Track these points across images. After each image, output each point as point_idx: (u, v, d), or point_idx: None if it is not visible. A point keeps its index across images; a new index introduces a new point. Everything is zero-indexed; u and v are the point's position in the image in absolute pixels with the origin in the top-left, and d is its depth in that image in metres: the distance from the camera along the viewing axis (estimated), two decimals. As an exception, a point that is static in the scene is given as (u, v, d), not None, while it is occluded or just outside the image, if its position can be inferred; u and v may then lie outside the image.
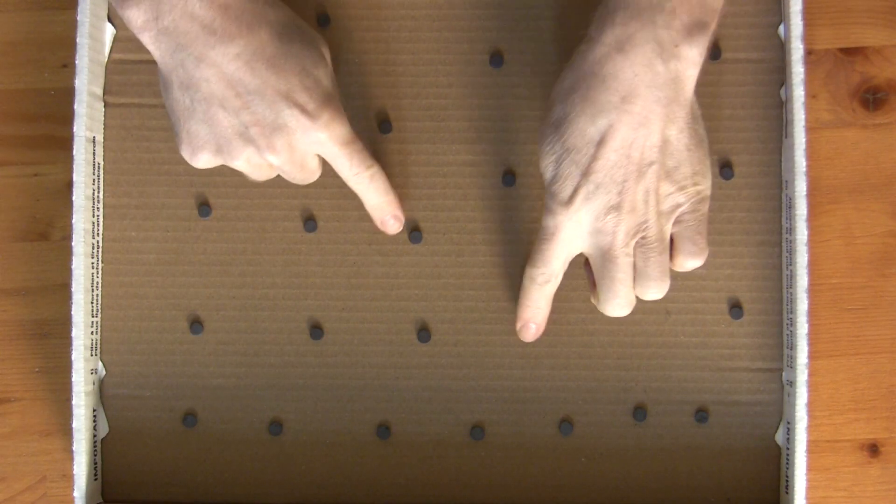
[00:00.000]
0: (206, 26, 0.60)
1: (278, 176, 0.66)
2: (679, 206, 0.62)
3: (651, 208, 0.61)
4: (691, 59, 0.60)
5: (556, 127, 0.62)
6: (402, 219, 0.68)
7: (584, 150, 0.61)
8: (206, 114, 0.61)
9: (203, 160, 0.63)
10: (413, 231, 0.70)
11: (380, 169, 0.66)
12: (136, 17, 0.60)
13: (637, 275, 0.63)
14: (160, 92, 0.64)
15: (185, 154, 0.63)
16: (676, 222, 0.63)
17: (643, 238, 0.62)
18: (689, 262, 0.64)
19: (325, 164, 0.66)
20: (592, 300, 0.66)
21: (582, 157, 0.61)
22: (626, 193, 0.61)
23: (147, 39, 0.61)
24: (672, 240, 0.64)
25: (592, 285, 0.65)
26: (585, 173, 0.61)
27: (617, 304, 0.64)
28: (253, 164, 0.64)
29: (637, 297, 0.65)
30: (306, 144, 0.63)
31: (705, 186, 0.63)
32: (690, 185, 0.62)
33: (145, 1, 0.59)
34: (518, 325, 0.67)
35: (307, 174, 0.65)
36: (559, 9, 0.70)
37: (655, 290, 0.64)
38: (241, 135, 0.62)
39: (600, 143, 0.60)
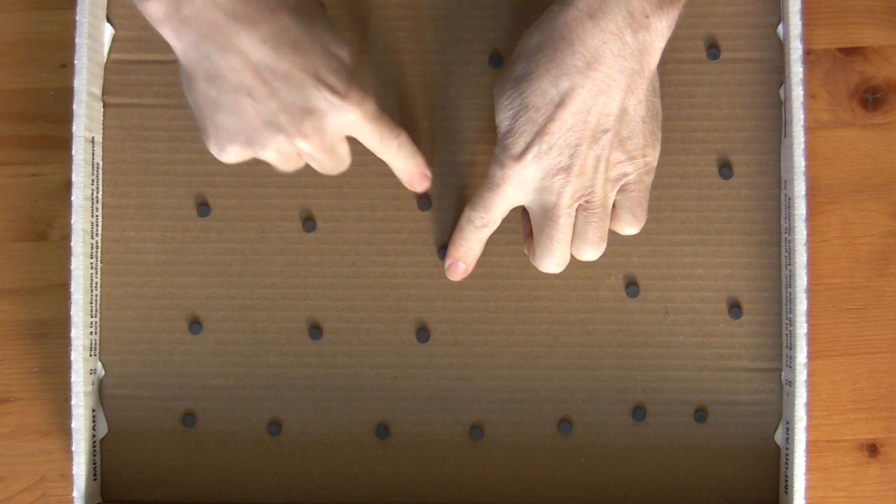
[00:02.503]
0: (229, 13, 0.59)
1: (276, 176, 0.66)
2: (626, 175, 0.63)
3: (600, 174, 0.62)
4: (660, 31, 0.61)
5: (517, 82, 0.62)
6: (430, 176, 0.68)
7: (542, 110, 0.61)
8: (235, 105, 0.60)
9: (232, 154, 0.62)
10: (412, 230, 0.70)
11: (406, 135, 0.66)
12: (156, 10, 0.59)
13: (575, 236, 0.64)
14: (180, 89, 0.63)
15: (213, 149, 0.62)
16: (621, 190, 0.64)
17: (587, 202, 0.63)
18: (627, 229, 0.66)
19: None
20: (525, 251, 0.67)
21: (539, 115, 0.62)
22: (577, 157, 0.61)
23: (168, 32, 0.60)
24: (613, 206, 0.65)
25: (528, 235, 0.66)
26: (540, 132, 0.62)
27: (552, 261, 0.65)
28: (283, 153, 0.62)
29: (572, 257, 0.66)
30: (337, 126, 0.62)
31: (653, 158, 0.64)
32: (640, 155, 0.63)
33: None
34: (447, 263, 0.68)
35: (338, 161, 0.64)
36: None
37: (592, 253, 0.65)
38: (270, 123, 0.61)
39: (559, 105, 0.61)
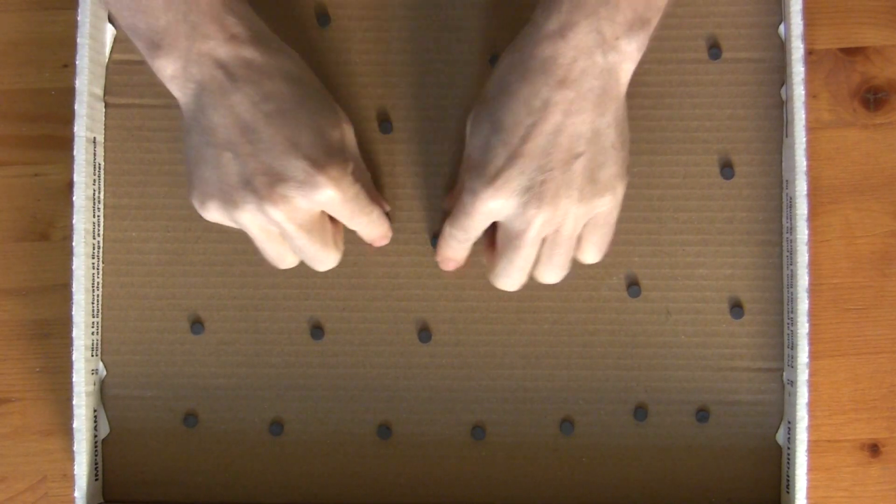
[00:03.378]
0: (229, 73, 0.61)
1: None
2: (597, 209, 0.62)
3: (571, 208, 0.61)
4: (629, 53, 0.61)
5: (487, 105, 0.62)
6: (391, 235, 0.69)
7: (514, 131, 0.61)
8: (217, 159, 0.61)
9: (212, 210, 0.62)
10: (414, 231, 0.70)
11: (378, 211, 0.66)
12: (165, 67, 0.61)
13: (539, 260, 0.64)
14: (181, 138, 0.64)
15: (196, 203, 0.63)
16: (589, 223, 0.64)
17: (555, 233, 0.63)
18: (590, 259, 0.65)
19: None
20: (484, 259, 0.67)
21: (511, 137, 0.61)
22: (549, 183, 0.61)
23: (175, 88, 0.62)
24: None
25: (488, 246, 0.66)
26: (512, 155, 0.61)
27: (508, 282, 0.65)
28: (257, 221, 0.62)
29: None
30: (307, 199, 0.62)
31: (622, 191, 0.63)
32: (611, 189, 0.62)
33: (175, 52, 0.61)
34: (438, 258, 0.68)
35: (318, 246, 0.64)
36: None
37: (553, 278, 0.65)
38: (246, 183, 0.61)
39: (532, 125, 0.60)
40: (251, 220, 0.62)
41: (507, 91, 0.61)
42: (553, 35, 0.60)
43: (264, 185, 0.61)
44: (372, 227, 0.67)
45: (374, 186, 0.69)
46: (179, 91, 0.62)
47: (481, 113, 0.63)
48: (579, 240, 0.64)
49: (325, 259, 0.65)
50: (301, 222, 0.62)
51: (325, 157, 0.61)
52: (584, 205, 0.62)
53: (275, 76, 0.62)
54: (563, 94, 0.60)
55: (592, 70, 0.60)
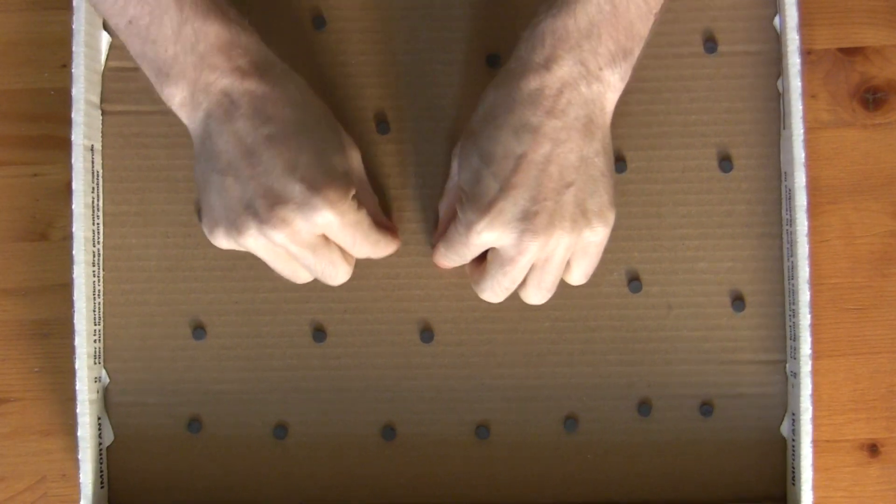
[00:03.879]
0: (234, 101, 0.62)
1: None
2: (586, 239, 0.63)
3: (563, 237, 0.62)
4: (612, 83, 0.62)
5: (477, 139, 0.63)
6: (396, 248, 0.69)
7: (504, 163, 0.62)
8: (222, 185, 0.62)
9: (219, 237, 0.62)
10: (413, 231, 0.70)
11: (385, 241, 0.66)
12: (174, 96, 0.62)
13: (527, 282, 0.64)
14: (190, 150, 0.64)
15: (206, 231, 0.63)
16: (576, 249, 0.64)
17: (545, 260, 0.63)
18: (575, 282, 0.66)
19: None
20: (467, 270, 0.67)
21: (502, 169, 0.62)
22: (542, 214, 0.61)
23: (184, 115, 0.63)
24: None
25: (479, 259, 0.66)
26: (504, 187, 0.61)
27: (490, 296, 0.66)
28: (261, 243, 0.62)
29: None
30: (305, 221, 0.61)
31: (612, 220, 0.63)
32: (601, 221, 0.62)
33: (182, 81, 0.62)
34: (434, 261, 0.68)
35: (326, 264, 0.64)
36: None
37: (539, 300, 0.66)
38: (248, 207, 0.61)
39: (521, 156, 0.61)
40: (256, 243, 0.62)
41: (495, 123, 0.62)
42: (538, 68, 0.61)
43: (264, 207, 0.61)
44: (377, 254, 0.67)
45: (384, 214, 0.69)
46: (188, 118, 0.63)
47: (469, 146, 0.63)
48: (567, 264, 0.64)
49: (335, 275, 0.65)
50: (303, 243, 0.63)
51: (323, 180, 0.61)
52: (576, 234, 0.62)
53: (277, 102, 0.62)
54: (551, 124, 0.61)
55: (578, 100, 0.61)
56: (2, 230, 0.72)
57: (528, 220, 0.61)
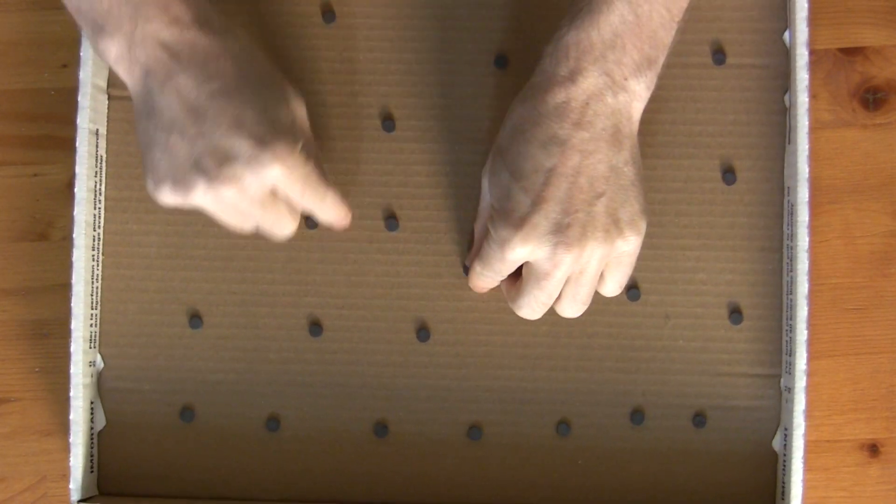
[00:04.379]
0: (173, 54, 0.61)
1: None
2: (619, 249, 0.63)
3: (597, 249, 0.62)
4: (638, 92, 0.62)
5: (505, 154, 0.63)
6: (350, 219, 0.68)
7: (534, 178, 0.62)
8: (167, 143, 0.61)
9: (165, 193, 0.62)
10: (414, 230, 0.70)
11: (333, 193, 0.65)
12: (109, 49, 0.61)
13: (562, 296, 0.64)
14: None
15: (150, 188, 0.62)
16: (611, 260, 0.64)
17: (580, 272, 0.63)
18: (609, 293, 0.66)
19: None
20: (503, 287, 0.67)
21: (532, 183, 0.62)
22: (574, 226, 0.61)
23: (121, 70, 0.62)
24: None
25: (514, 277, 0.66)
26: (536, 201, 0.62)
27: (528, 313, 0.66)
28: (209, 199, 0.62)
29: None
30: (255, 177, 0.61)
31: (643, 229, 0.63)
32: (635, 229, 0.63)
33: (119, 34, 0.61)
34: (469, 284, 0.68)
35: (275, 218, 0.64)
36: (564, 10, 0.70)
37: (574, 313, 0.66)
38: (195, 164, 0.61)
39: (551, 170, 0.61)
40: (204, 199, 0.62)
41: (523, 138, 0.62)
42: (564, 81, 0.61)
43: (212, 165, 0.61)
44: (326, 209, 0.66)
45: (388, 211, 0.69)
46: (126, 74, 0.62)
47: (498, 163, 0.63)
48: (601, 275, 0.64)
49: (282, 229, 0.65)
50: (252, 199, 0.62)
51: (271, 135, 0.61)
52: (609, 244, 0.62)
53: (220, 56, 0.61)
54: (579, 136, 0.61)
55: (604, 111, 0.61)
56: (1, 230, 0.72)
57: (560, 233, 0.61)
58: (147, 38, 0.60)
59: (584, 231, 0.61)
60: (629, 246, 0.63)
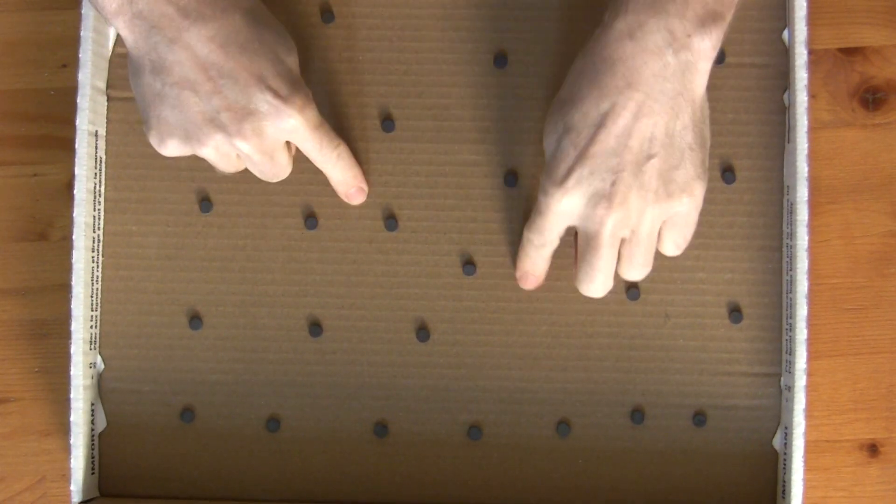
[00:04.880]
0: (180, 8, 0.60)
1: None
2: (672, 211, 0.62)
3: (646, 209, 0.61)
4: (703, 51, 0.60)
5: (561, 105, 0.62)
6: (366, 190, 0.69)
7: (583, 132, 0.61)
8: (178, 99, 0.61)
9: (171, 147, 0.63)
10: (414, 230, 0.70)
11: (345, 147, 0.67)
12: (109, 3, 0.60)
13: (620, 258, 0.64)
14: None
15: (154, 141, 0.63)
16: (667, 220, 0.63)
17: (633, 233, 0.62)
18: (669, 252, 0.65)
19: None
20: (574, 270, 0.66)
21: (580, 138, 0.61)
22: (619, 184, 0.60)
23: (120, 24, 0.61)
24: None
25: (577, 257, 0.66)
26: (581, 156, 0.61)
27: (592, 288, 0.65)
28: (221, 151, 0.63)
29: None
30: (277, 130, 0.63)
31: (700, 192, 0.63)
32: (688, 191, 0.62)
33: None
34: (518, 274, 0.68)
35: (277, 167, 0.65)
36: (564, 10, 0.70)
37: (637, 275, 0.65)
38: (211, 120, 0.62)
39: (600, 125, 0.60)
40: (215, 152, 0.63)
41: (579, 94, 0.61)
42: (621, 36, 0.60)
43: (231, 120, 0.61)
44: (343, 165, 0.67)
45: (389, 212, 0.70)
46: (126, 28, 0.61)
47: (555, 115, 0.63)
48: (659, 234, 0.64)
49: (279, 175, 0.66)
50: (267, 151, 0.63)
51: (288, 88, 0.62)
52: (659, 206, 0.61)
53: (229, 9, 0.61)
54: (632, 97, 0.60)
55: (664, 72, 0.59)
56: (1, 230, 0.72)
57: (604, 191, 0.60)
58: None
59: (627, 191, 0.60)
60: (682, 207, 0.62)
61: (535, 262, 0.67)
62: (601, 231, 0.62)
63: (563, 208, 0.62)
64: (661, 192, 0.61)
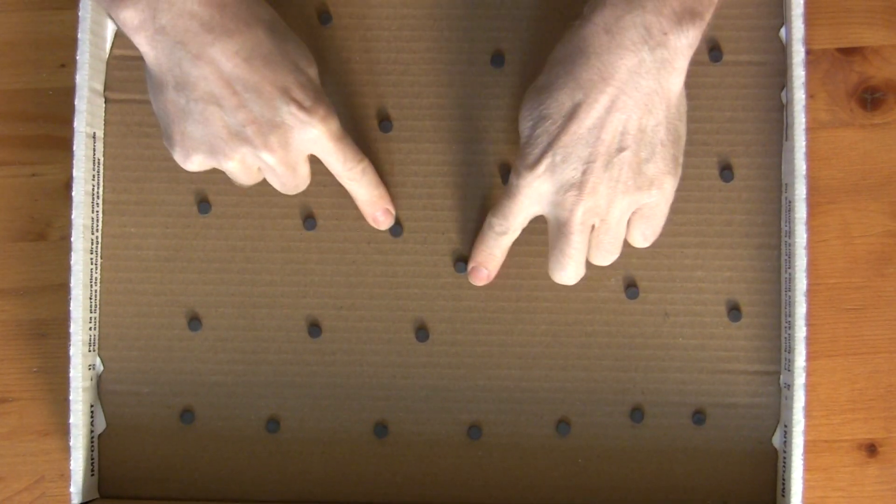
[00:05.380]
0: (204, 23, 0.60)
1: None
2: (642, 202, 0.63)
3: (615, 199, 0.62)
4: (679, 49, 0.60)
5: (538, 93, 0.63)
6: (394, 213, 0.69)
7: (557, 121, 0.61)
8: (202, 114, 0.61)
9: (196, 162, 0.63)
10: (412, 230, 0.70)
11: (370, 163, 0.67)
12: (131, 18, 0.60)
13: (590, 244, 0.64)
14: (149, 96, 0.64)
15: (178, 157, 0.63)
16: (637, 212, 0.64)
17: (601, 221, 0.63)
18: (637, 244, 0.66)
19: (318, 163, 0.66)
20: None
21: (554, 126, 0.61)
22: (590, 174, 0.61)
23: (142, 40, 0.61)
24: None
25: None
26: (553, 143, 0.61)
27: (564, 275, 0.65)
28: (246, 164, 0.63)
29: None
30: (302, 142, 0.63)
31: (671, 186, 0.63)
32: (657, 184, 0.62)
33: (141, 1, 0.60)
34: (470, 266, 0.68)
35: (298, 179, 0.65)
36: (561, 9, 0.70)
37: (605, 260, 0.65)
38: (236, 134, 0.62)
39: (573, 116, 0.61)
40: (240, 165, 0.63)
41: (556, 83, 0.62)
42: (598, 30, 0.60)
43: (256, 133, 0.61)
44: (367, 181, 0.67)
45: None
46: (147, 44, 0.61)
47: (531, 102, 0.63)
48: (628, 225, 0.64)
49: (299, 188, 0.66)
50: (291, 164, 0.63)
51: (312, 99, 0.62)
52: (628, 196, 0.62)
53: (251, 22, 0.61)
54: (605, 91, 0.60)
55: (639, 68, 0.60)
56: (0, 230, 0.72)
57: (574, 180, 0.61)
58: (174, 5, 0.59)
59: (599, 181, 0.61)
60: (652, 199, 0.63)
61: (493, 252, 0.67)
62: (571, 218, 0.62)
63: (533, 192, 0.62)
64: (631, 183, 0.62)
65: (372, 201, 0.68)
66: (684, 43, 0.60)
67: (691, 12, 0.60)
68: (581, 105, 0.61)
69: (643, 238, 0.65)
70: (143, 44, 0.61)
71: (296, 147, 0.63)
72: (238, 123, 0.61)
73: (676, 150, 0.63)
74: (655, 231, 0.65)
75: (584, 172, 0.61)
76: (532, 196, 0.63)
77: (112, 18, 0.61)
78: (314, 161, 0.66)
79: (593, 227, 0.63)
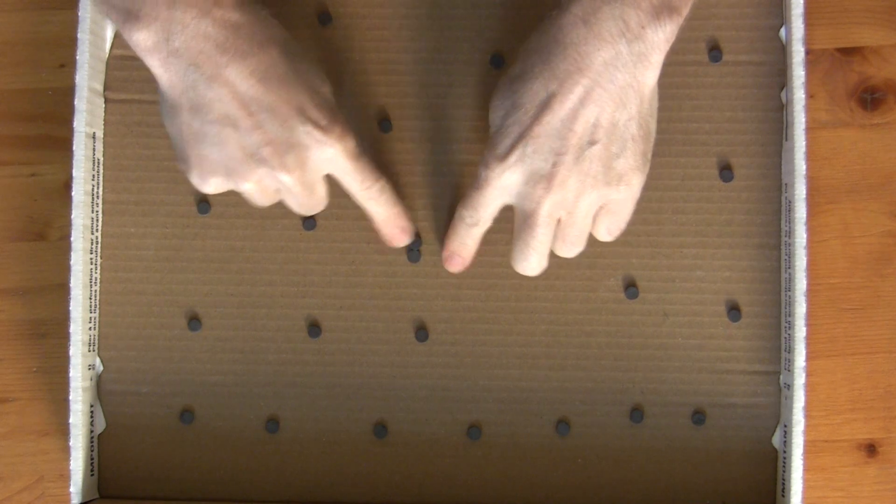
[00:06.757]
0: (219, 45, 0.60)
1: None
2: (608, 197, 0.63)
3: (583, 193, 0.62)
4: (656, 43, 0.60)
5: (511, 82, 0.62)
6: (410, 230, 0.68)
7: (530, 111, 0.61)
8: (218, 136, 0.61)
9: (213, 185, 0.63)
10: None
11: (388, 181, 0.66)
12: (144, 40, 0.59)
13: (555, 236, 0.64)
14: (162, 119, 0.63)
15: (195, 180, 0.63)
16: (603, 207, 0.64)
17: (568, 215, 0.63)
18: (601, 238, 0.65)
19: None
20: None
21: (526, 116, 0.61)
22: (559, 167, 0.61)
23: (155, 62, 0.60)
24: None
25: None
26: (524, 134, 0.61)
27: (527, 266, 0.65)
28: (263, 185, 0.63)
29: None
30: (319, 161, 0.62)
31: (638, 184, 0.63)
32: (624, 182, 0.62)
33: (155, 23, 0.59)
34: (444, 255, 0.68)
35: (315, 200, 0.64)
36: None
37: (569, 252, 0.65)
38: (253, 156, 0.61)
39: (546, 106, 0.60)
40: (257, 186, 0.62)
41: (530, 73, 0.61)
42: (576, 21, 0.60)
43: (273, 154, 0.61)
44: (385, 200, 0.66)
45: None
46: (161, 67, 0.60)
47: (503, 90, 0.63)
48: (593, 219, 0.64)
49: (316, 208, 0.65)
50: (308, 184, 0.63)
51: (328, 118, 0.62)
52: (596, 191, 0.62)
53: (265, 43, 0.61)
54: (579, 82, 0.60)
55: (615, 61, 0.60)
56: (-1, 230, 0.72)
57: (543, 172, 0.61)
58: (188, 27, 0.59)
59: (569, 174, 0.61)
60: (618, 195, 0.62)
61: (465, 242, 0.67)
62: (538, 211, 0.62)
63: (502, 183, 0.62)
64: (601, 178, 0.61)
65: (389, 220, 0.67)
66: (661, 37, 0.60)
67: (669, 7, 0.59)
68: (555, 95, 0.60)
69: (608, 232, 0.65)
70: (157, 66, 0.60)
71: (313, 167, 0.62)
72: (254, 145, 0.61)
73: (646, 147, 0.63)
74: (620, 226, 0.65)
75: (555, 165, 0.61)
76: (501, 188, 0.62)
77: (125, 40, 0.60)
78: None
79: (559, 219, 0.63)
